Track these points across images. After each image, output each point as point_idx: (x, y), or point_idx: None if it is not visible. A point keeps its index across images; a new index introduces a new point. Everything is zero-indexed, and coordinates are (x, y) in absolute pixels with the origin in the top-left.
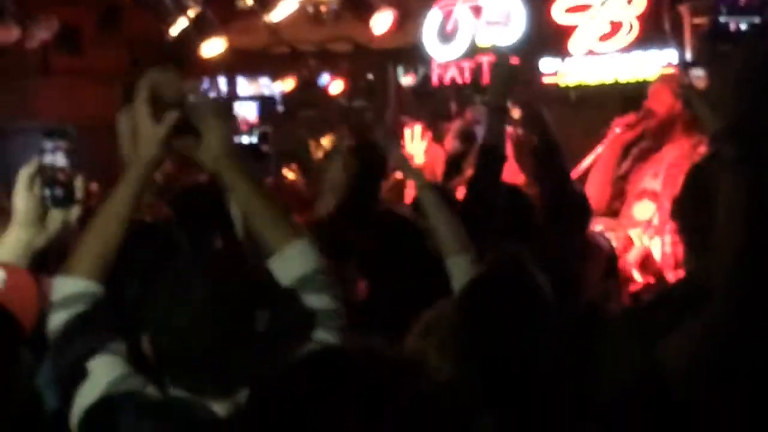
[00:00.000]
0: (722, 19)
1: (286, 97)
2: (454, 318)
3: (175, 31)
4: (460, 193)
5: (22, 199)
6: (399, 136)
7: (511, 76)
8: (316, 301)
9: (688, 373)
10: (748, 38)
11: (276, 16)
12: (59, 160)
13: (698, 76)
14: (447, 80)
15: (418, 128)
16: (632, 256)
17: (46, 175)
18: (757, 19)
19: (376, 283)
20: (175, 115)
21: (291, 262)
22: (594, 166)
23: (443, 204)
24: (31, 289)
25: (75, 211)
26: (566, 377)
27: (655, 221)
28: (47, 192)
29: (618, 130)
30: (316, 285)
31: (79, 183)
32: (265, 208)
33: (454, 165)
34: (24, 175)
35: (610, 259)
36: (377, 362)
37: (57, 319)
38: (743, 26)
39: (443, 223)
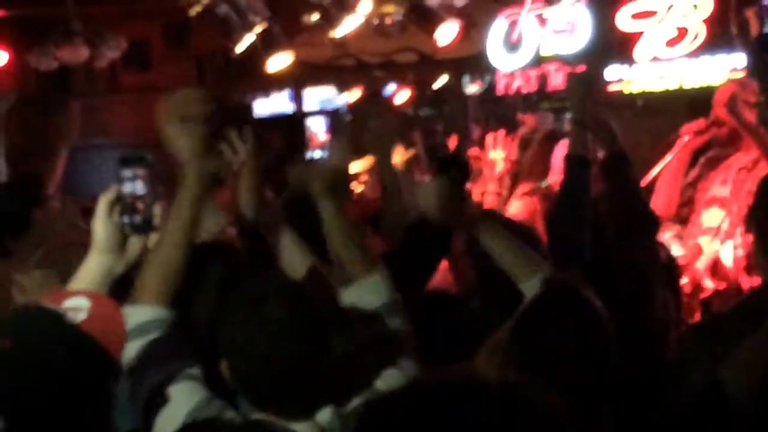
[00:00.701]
0: None
1: (353, 108)
2: (507, 344)
3: (241, 47)
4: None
5: (101, 226)
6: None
7: (589, 90)
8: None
9: (750, 389)
10: None
11: (341, 31)
12: (138, 187)
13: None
14: (513, 89)
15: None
16: (702, 263)
17: (125, 203)
18: None
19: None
20: (201, 129)
21: (365, 295)
22: (662, 174)
23: (500, 231)
24: (117, 317)
25: (154, 238)
26: (628, 401)
27: (725, 227)
28: (126, 219)
29: (686, 137)
30: (389, 316)
31: (157, 210)
32: (348, 239)
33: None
34: (103, 202)
35: (668, 270)
36: (488, 392)
37: (131, 348)
38: None
39: (505, 252)
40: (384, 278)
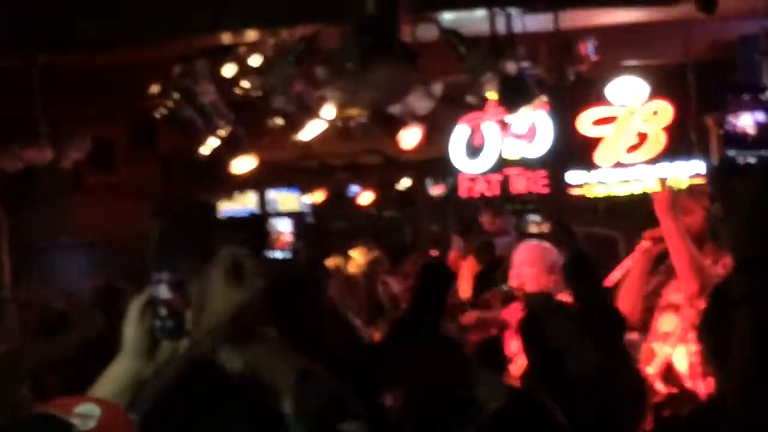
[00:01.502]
0: (730, 153)
1: (317, 209)
2: None
3: (206, 150)
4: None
5: (132, 329)
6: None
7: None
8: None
9: None
10: (755, 173)
11: (305, 135)
12: (169, 292)
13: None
14: (475, 192)
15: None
16: (654, 368)
17: (158, 307)
18: (765, 153)
19: None
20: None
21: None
22: (624, 281)
23: None
24: (126, 425)
25: (185, 343)
26: None
27: (678, 332)
28: (158, 323)
29: (646, 243)
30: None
31: (189, 315)
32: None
33: (484, 279)
34: (135, 305)
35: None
36: None
37: None
38: (751, 160)
39: None
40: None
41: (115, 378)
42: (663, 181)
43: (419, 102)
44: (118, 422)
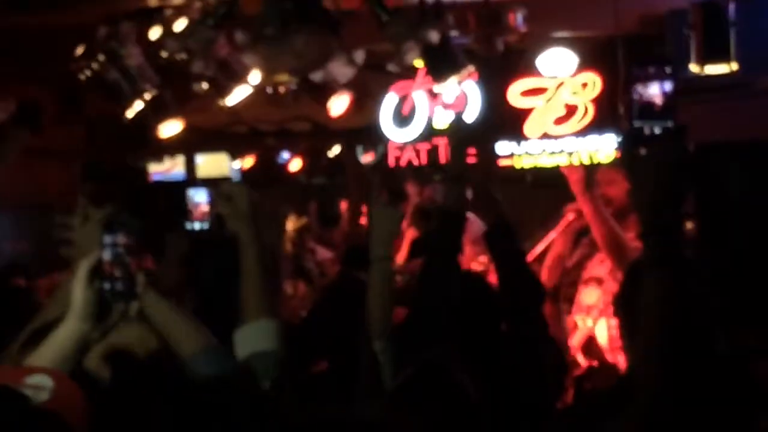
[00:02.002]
0: (636, 123)
1: (246, 175)
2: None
3: (131, 113)
4: None
5: (80, 292)
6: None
7: (464, 144)
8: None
9: None
10: (660, 143)
11: (231, 100)
12: (120, 254)
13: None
14: (403, 162)
15: None
16: (575, 340)
17: (107, 269)
18: (669, 123)
19: None
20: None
21: (259, 337)
22: (547, 255)
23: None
24: (80, 399)
25: (135, 306)
26: None
27: (600, 305)
28: (107, 286)
29: (570, 216)
30: (263, 371)
31: (140, 278)
32: (258, 278)
33: (418, 246)
34: (83, 268)
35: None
36: None
37: None
38: (657, 130)
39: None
40: (278, 328)
41: (60, 342)
42: (575, 157)
43: (341, 69)
44: (71, 395)
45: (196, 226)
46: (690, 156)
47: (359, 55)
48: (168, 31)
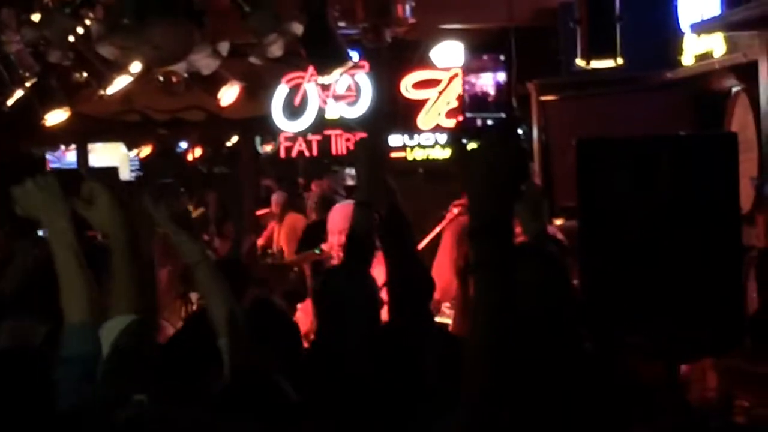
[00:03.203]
0: (469, 114)
1: (144, 163)
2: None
3: (11, 101)
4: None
5: None
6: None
7: (376, 162)
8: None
9: None
10: (489, 135)
11: (111, 89)
12: None
13: None
14: (294, 153)
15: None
16: None
17: None
18: (501, 114)
19: None
20: None
21: (113, 333)
22: (438, 253)
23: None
24: None
25: None
26: None
27: None
28: None
29: (455, 210)
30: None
31: None
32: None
33: (314, 233)
34: None
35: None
36: None
37: None
38: (489, 122)
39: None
40: (136, 325)
41: None
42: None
43: (204, 61)
44: None
45: None
46: (522, 150)
47: (224, 47)
48: (26, 20)
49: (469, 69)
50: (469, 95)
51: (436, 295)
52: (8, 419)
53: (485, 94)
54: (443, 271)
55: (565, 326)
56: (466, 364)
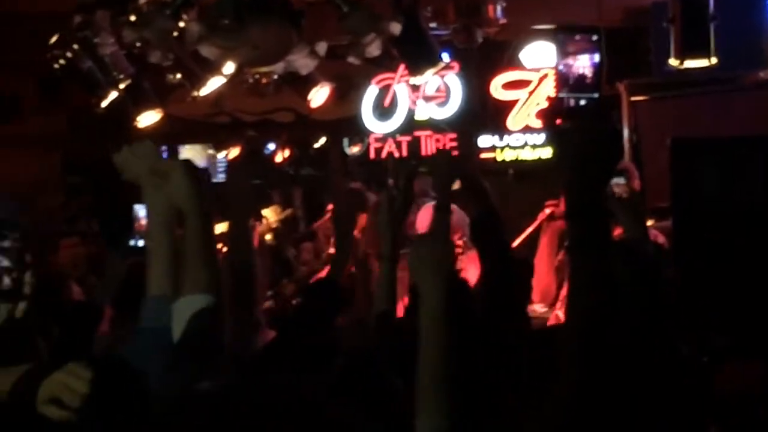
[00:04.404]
0: (562, 94)
1: (232, 166)
2: None
3: (105, 103)
4: None
5: None
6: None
7: (452, 173)
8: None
9: None
10: (584, 114)
11: (204, 91)
12: (6, 254)
13: (617, 182)
14: (384, 154)
15: None
16: None
17: None
18: (595, 95)
19: None
20: None
21: (187, 312)
22: (536, 255)
23: None
24: None
25: (22, 306)
26: None
27: None
28: None
29: (548, 210)
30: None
31: (27, 278)
32: (201, 250)
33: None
34: None
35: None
36: None
37: None
38: (582, 102)
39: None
40: (211, 305)
41: None
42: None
43: (302, 61)
44: None
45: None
46: (616, 131)
47: (321, 47)
48: (125, 21)
49: (565, 51)
50: (564, 77)
51: (536, 298)
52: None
53: (582, 76)
54: (542, 275)
55: (659, 327)
56: (562, 352)
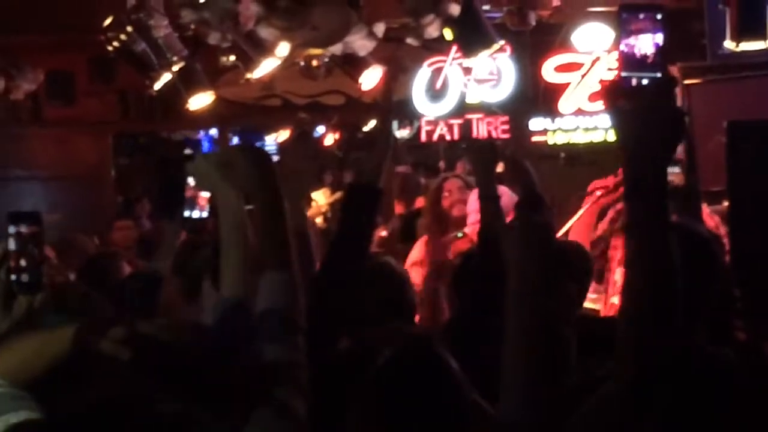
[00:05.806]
0: (624, 74)
1: (282, 148)
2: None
3: (158, 85)
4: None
5: None
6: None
7: (494, 160)
8: (270, 352)
9: None
10: (647, 94)
11: (258, 73)
12: (27, 245)
13: (672, 171)
14: (436, 137)
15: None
16: None
17: (12, 261)
18: (658, 75)
19: None
20: None
21: (273, 290)
22: (571, 230)
23: None
24: None
25: (40, 297)
26: None
27: None
28: (13, 278)
29: (598, 193)
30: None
31: (45, 269)
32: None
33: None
34: None
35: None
36: None
37: None
38: (644, 81)
39: None
40: (287, 282)
41: None
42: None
43: (360, 42)
44: None
45: (196, 214)
46: (677, 111)
47: (379, 28)
48: (184, 2)
49: (628, 30)
50: (626, 55)
51: None
52: None
53: (643, 56)
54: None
55: (714, 313)
56: (619, 334)
